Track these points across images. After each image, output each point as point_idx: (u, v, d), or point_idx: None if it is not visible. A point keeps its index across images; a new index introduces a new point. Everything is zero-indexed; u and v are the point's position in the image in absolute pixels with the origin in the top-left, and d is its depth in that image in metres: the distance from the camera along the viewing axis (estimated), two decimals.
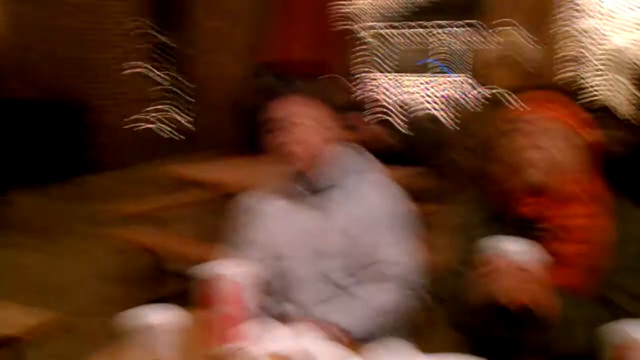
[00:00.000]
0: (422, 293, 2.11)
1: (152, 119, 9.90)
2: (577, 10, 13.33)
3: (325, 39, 4.04)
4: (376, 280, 2.08)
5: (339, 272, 2.09)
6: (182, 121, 10.55)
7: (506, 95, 8.78)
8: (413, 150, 6.19)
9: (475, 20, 9.16)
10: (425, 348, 1.62)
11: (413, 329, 2.17)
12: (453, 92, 13.42)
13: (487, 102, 8.25)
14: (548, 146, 1.73)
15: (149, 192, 5.69)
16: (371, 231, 2.09)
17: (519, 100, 1.83)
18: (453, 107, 9.19)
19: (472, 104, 8.53)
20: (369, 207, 2.10)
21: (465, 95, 13.03)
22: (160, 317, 1.55)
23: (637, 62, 14.55)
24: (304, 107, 2.11)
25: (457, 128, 8.27)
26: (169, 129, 10.27)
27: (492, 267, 1.60)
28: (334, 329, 1.89)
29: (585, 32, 14.72)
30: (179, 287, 3.61)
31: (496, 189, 1.86)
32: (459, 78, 14.09)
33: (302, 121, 2.09)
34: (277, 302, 2.16)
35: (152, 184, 6.13)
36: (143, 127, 9.70)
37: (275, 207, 2.20)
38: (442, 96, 13.06)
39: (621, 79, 14.72)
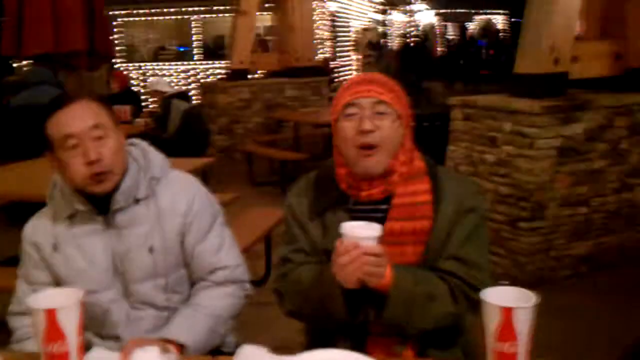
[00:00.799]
0: (248, 290, 1.99)
1: None
2: None
3: (90, 28, 3.69)
4: (216, 286, 1.90)
5: (159, 293, 1.86)
6: None
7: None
8: (186, 139, 6.06)
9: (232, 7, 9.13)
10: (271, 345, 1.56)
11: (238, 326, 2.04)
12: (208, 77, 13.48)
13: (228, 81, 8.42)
14: (379, 126, 1.72)
15: None
16: (193, 239, 1.88)
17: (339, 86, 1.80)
18: (206, 90, 9.25)
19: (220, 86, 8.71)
20: (182, 215, 1.87)
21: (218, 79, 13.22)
22: None
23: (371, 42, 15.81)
24: (98, 109, 1.78)
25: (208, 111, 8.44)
26: None
27: (336, 251, 1.59)
28: (172, 346, 1.69)
29: (335, 15, 15.61)
30: None
31: (338, 175, 1.81)
32: (218, 64, 14.16)
33: (106, 125, 1.77)
34: (99, 339, 1.88)
35: None
36: None
37: (63, 237, 1.85)
38: (199, 81, 13.04)
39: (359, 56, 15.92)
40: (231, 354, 1.54)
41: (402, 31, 20.19)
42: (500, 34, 22.13)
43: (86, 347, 1.54)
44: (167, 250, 1.85)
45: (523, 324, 1.39)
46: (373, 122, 1.71)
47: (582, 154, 4.33)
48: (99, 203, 1.82)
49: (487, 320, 1.42)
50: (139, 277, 1.84)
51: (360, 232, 1.59)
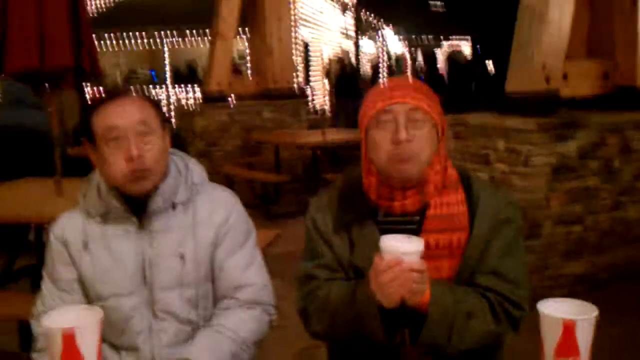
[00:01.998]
0: (274, 315, 1.87)
1: None
2: (301, 20, 14.06)
3: (76, 44, 3.56)
4: (241, 307, 1.79)
5: (184, 305, 1.76)
6: None
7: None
8: None
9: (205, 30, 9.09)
10: None
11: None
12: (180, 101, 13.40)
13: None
14: (415, 135, 1.61)
15: None
16: (224, 253, 1.79)
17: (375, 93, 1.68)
18: (182, 115, 9.15)
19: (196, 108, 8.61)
20: (217, 227, 1.79)
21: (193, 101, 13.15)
22: None
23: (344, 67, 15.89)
24: (147, 107, 1.74)
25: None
26: None
27: (376, 267, 1.47)
28: None
29: (306, 42, 15.64)
30: None
31: (368, 185, 1.70)
32: (190, 89, 14.08)
33: (153, 124, 1.72)
34: (114, 353, 1.76)
35: None
36: None
37: (94, 236, 1.78)
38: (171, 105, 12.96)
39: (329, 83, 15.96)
40: None
41: (372, 59, 20.32)
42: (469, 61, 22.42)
43: None
44: (197, 260, 1.76)
45: (585, 337, 1.30)
46: (409, 131, 1.60)
47: (576, 171, 4.30)
48: (135, 205, 1.74)
49: (546, 335, 1.32)
50: (166, 285, 1.75)
51: (403, 246, 1.46)
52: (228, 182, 7.49)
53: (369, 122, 1.65)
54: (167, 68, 14.56)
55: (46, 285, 1.81)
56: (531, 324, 1.58)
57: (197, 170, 1.86)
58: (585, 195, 4.37)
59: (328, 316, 1.67)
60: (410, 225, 1.66)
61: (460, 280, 1.65)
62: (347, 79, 14.65)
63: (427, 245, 1.55)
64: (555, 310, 1.33)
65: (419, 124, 1.61)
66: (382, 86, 1.71)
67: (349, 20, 18.14)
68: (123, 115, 1.68)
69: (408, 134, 1.60)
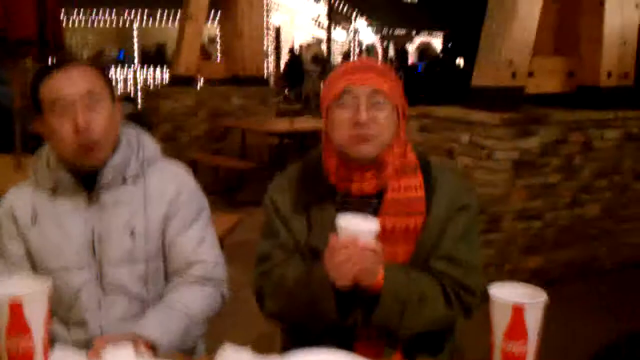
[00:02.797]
0: (226, 291, 1.86)
1: None
2: (274, 5, 14.00)
3: (41, 16, 3.49)
4: (193, 284, 1.77)
5: (135, 281, 1.73)
6: None
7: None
8: None
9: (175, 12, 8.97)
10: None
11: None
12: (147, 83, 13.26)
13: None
14: (376, 117, 1.61)
15: None
16: (175, 229, 1.76)
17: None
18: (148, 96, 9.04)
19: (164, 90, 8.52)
20: (168, 202, 1.76)
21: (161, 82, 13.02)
22: None
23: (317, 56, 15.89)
24: (95, 77, 1.69)
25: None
26: None
27: (331, 246, 1.48)
28: (143, 344, 1.54)
29: (278, 29, 15.58)
30: None
31: (327, 166, 1.70)
32: (158, 70, 13.93)
33: (102, 95, 1.67)
34: (62, 327, 1.73)
35: None
36: None
37: (43, 210, 1.73)
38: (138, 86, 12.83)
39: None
40: None
41: (344, 49, 20.31)
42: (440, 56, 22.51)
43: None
44: (148, 235, 1.73)
45: (534, 321, 1.32)
46: (369, 112, 1.60)
47: (538, 167, 4.36)
48: (86, 179, 1.70)
49: (496, 318, 1.34)
50: (116, 261, 1.71)
51: (359, 225, 1.46)
52: (192, 167, 7.43)
53: (330, 102, 1.65)
54: (135, 47, 14.37)
55: None
56: (486, 311, 1.61)
57: (149, 145, 1.82)
58: (546, 191, 4.43)
59: (283, 297, 1.67)
60: (368, 208, 1.66)
61: (415, 265, 1.66)
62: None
63: (384, 229, 1.56)
64: (506, 294, 1.34)
65: (380, 105, 1.62)
66: (345, 67, 1.70)
67: (322, 8, 18.10)
68: (70, 85, 1.63)
69: (369, 115, 1.60)
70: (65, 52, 4.28)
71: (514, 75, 4.37)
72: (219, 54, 10.11)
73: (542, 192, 4.41)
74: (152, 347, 1.55)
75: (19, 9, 3.31)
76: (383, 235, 1.54)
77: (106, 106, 1.68)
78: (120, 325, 1.69)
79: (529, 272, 4.44)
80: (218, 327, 1.83)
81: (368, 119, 1.60)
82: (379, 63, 1.71)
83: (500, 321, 1.32)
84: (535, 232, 4.43)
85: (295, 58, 15.49)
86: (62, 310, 1.71)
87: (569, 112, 4.58)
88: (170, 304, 1.70)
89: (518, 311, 1.30)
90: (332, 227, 1.49)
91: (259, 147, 8.43)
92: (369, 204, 1.67)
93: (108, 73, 1.77)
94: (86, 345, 1.56)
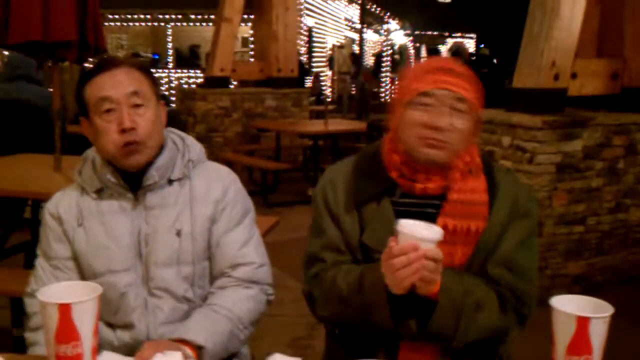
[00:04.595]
0: (271, 295, 1.83)
1: None
2: (307, 9, 13.99)
3: (81, 17, 3.49)
4: (238, 286, 1.74)
5: (181, 282, 1.71)
6: None
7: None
8: None
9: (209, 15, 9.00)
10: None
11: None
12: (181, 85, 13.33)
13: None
14: (454, 125, 1.55)
15: None
16: (221, 229, 1.74)
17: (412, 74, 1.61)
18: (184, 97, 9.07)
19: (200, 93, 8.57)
20: (214, 203, 1.74)
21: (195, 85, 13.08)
22: None
23: (354, 53, 15.83)
24: (140, 77, 1.67)
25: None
26: None
27: (389, 250, 1.41)
28: (189, 348, 1.51)
29: (311, 30, 15.56)
30: None
31: (390, 162, 1.64)
32: (193, 72, 14.01)
33: (147, 95, 1.66)
34: (109, 329, 1.71)
35: None
36: None
37: (89, 212, 1.72)
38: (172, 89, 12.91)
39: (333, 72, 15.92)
40: None
41: (376, 50, 20.25)
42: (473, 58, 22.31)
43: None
44: (194, 236, 1.71)
45: (599, 336, 1.26)
46: (450, 119, 1.54)
47: (580, 171, 4.26)
48: (131, 180, 1.69)
49: (559, 331, 1.27)
50: (162, 262, 1.69)
51: (421, 232, 1.40)
52: None
53: (408, 99, 1.58)
54: (169, 48, 14.47)
55: (40, 263, 1.76)
56: (537, 324, 1.56)
57: (194, 146, 1.81)
58: (588, 195, 4.33)
59: (335, 302, 1.62)
60: (430, 208, 1.61)
61: (472, 268, 1.60)
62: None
63: (445, 230, 1.48)
64: (569, 306, 1.28)
65: (461, 114, 1.55)
66: (429, 65, 1.64)
67: (354, 10, 18.06)
68: (115, 86, 1.62)
69: (448, 122, 1.54)
70: (106, 54, 4.29)
71: (556, 77, 4.28)
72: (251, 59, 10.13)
73: (584, 196, 4.31)
74: (197, 350, 1.53)
75: (59, 10, 3.31)
76: (443, 236, 1.47)
77: (151, 107, 1.67)
78: (166, 327, 1.67)
79: (570, 278, 4.34)
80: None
81: (448, 126, 1.54)
82: (464, 67, 1.62)
83: (563, 334, 1.26)
84: (577, 237, 4.32)
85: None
86: (108, 312, 1.68)
87: (612, 114, 4.47)
88: (215, 308, 1.67)
89: (583, 324, 1.24)
90: (388, 224, 1.46)
91: (292, 148, 8.42)
92: (431, 205, 1.62)
93: (153, 73, 1.75)
94: (133, 348, 1.53)
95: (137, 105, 1.64)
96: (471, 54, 22.01)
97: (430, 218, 1.54)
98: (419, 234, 1.39)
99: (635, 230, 4.60)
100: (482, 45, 22.98)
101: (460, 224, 1.59)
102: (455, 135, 1.55)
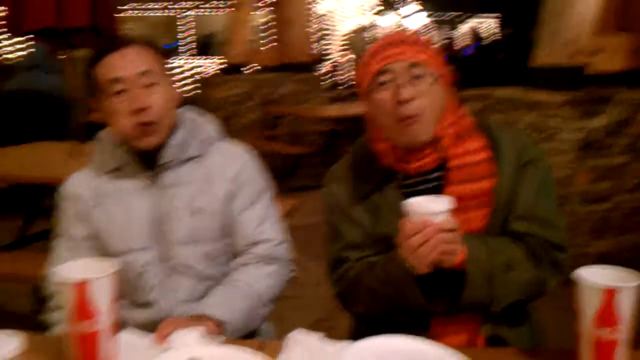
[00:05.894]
0: (293, 271, 1.82)
1: None
2: None
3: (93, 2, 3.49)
4: (258, 263, 1.73)
5: (199, 260, 1.71)
6: None
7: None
8: None
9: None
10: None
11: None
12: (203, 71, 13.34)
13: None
14: (419, 91, 1.52)
15: None
16: (239, 207, 1.73)
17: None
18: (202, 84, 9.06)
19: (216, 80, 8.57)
20: (231, 180, 1.73)
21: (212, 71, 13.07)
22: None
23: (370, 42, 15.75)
24: (151, 56, 1.66)
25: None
26: None
27: (403, 233, 1.38)
28: (210, 323, 1.51)
29: (325, 16, 15.48)
30: None
31: (379, 151, 1.63)
32: (208, 61, 13.99)
33: (158, 75, 1.66)
34: (128, 308, 1.70)
35: None
36: None
37: (106, 191, 1.73)
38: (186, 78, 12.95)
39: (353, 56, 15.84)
40: None
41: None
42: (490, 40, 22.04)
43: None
44: (212, 213, 1.71)
45: (627, 307, 1.22)
46: (411, 87, 1.51)
47: (604, 148, 4.18)
48: (147, 159, 1.69)
49: (584, 303, 1.24)
50: (180, 240, 1.69)
51: (430, 206, 1.37)
52: None
53: (368, 86, 1.56)
54: (185, 36, 14.47)
55: (58, 243, 1.77)
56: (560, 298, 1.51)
57: (209, 125, 1.81)
58: (612, 173, 4.25)
59: (366, 297, 1.60)
60: (434, 182, 1.58)
61: (492, 230, 1.56)
62: None
63: (454, 196, 1.46)
64: (595, 276, 1.25)
65: (422, 79, 1.52)
66: (376, 46, 1.60)
67: None
68: (126, 65, 1.62)
69: (411, 90, 1.51)
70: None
71: (576, 53, 4.20)
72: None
73: (608, 173, 4.23)
74: (218, 326, 1.53)
75: None
76: (454, 204, 1.44)
77: (163, 85, 1.66)
78: (186, 305, 1.68)
79: (594, 257, 4.27)
80: (275, 310, 1.79)
81: (411, 94, 1.51)
82: (410, 34, 1.61)
83: (589, 306, 1.23)
84: (601, 216, 4.26)
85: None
86: (127, 291, 1.69)
87: (635, 90, 4.38)
88: (235, 283, 1.68)
89: (609, 295, 1.21)
90: (398, 211, 1.42)
91: (310, 133, 8.38)
92: (434, 179, 1.59)
93: (163, 50, 1.74)
94: (153, 326, 1.53)
95: (148, 85, 1.62)
96: (495, 34, 21.82)
97: (438, 191, 1.52)
98: (427, 208, 1.36)
99: None
100: (505, 26, 22.75)
101: (467, 189, 1.56)
102: (425, 102, 1.52)
